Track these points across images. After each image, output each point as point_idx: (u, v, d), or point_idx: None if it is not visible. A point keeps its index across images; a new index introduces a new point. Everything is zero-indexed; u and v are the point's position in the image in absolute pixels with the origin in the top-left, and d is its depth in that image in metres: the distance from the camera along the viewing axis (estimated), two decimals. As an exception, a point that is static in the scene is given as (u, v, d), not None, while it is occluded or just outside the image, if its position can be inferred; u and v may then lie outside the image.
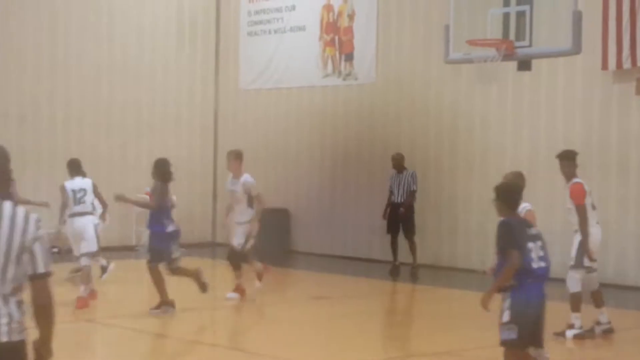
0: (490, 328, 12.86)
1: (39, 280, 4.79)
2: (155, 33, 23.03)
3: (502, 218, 7.83)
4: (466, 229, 18.93)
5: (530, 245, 7.63)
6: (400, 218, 18.04)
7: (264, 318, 13.50)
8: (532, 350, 7.77)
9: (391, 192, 18.26)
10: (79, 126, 21.63)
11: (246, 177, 14.60)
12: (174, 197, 13.99)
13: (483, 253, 18.54)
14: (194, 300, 13.29)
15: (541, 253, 7.70)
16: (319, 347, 11.25)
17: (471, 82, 18.58)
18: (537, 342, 7.79)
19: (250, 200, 14.44)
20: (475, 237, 18.66)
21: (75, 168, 14.21)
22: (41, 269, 4.79)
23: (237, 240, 14.48)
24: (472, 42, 15.74)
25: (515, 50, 14.51)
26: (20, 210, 4.82)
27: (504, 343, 7.64)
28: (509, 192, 8.11)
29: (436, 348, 11.38)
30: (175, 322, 12.70)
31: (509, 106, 18.55)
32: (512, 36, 15.85)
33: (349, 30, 21.36)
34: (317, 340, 11.91)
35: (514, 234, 7.65)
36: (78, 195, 13.78)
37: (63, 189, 13.93)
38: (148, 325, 12.40)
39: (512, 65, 17.28)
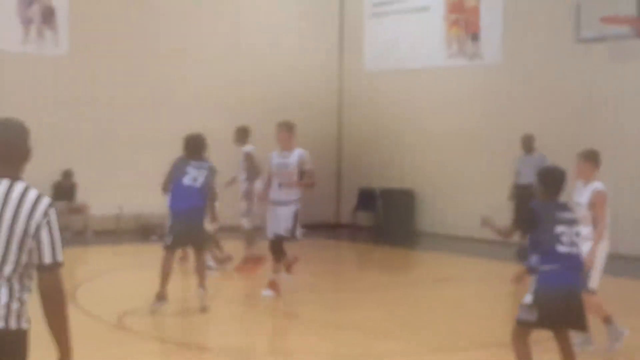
0: (629, 314, 12.66)
1: (45, 272, 4.34)
2: (279, 16, 23.16)
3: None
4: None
5: (561, 229, 7.35)
6: (528, 199, 17.72)
7: (386, 299, 13.40)
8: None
9: (517, 174, 17.96)
10: (210, 109, 21.93)
11: (300, 151, 13.05)
12: None
13: (615, 237, 18.10)
14: (320, 283, 13.28)
15: (575, 239, 7.42)
16: (442, 330, 11.11)
17: (604, 62, 18.09)
18: (566, 325, 7.63)
19: (301, 177, 12.81)
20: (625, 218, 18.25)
21: None
22: (47, 259, 4.34)
23: (284, 224, 12.60)
24: (605, 20, 15.36)
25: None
26: (33, 192, 4.42)
27: (519, 322, 7.52)
28: (547, 177, 7.91)
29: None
30: (305, 302, 12.73)
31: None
32: (646, 13, 15.40)
33: (475, 9, 21.03)
34: (440, 323, 11.77)
35: (533, 215, 7.53)
36: None
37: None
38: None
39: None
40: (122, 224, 20.76)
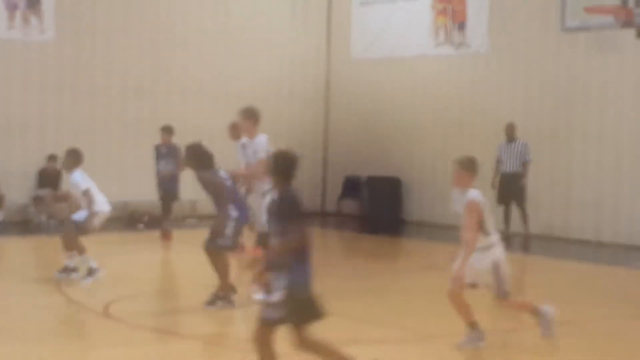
0: (604, 301, 12.71)
1: None
2: (268, 4, 23.11)
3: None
4: (581, 200, 18.55)
5: None
6: (512, 188, 17.81)
7: (374, 287, 13.43)
8: None
9: (499, 162, 18.03)
10: (195, 98, 21.90)
11: (261, 137, 12.33)
12: None
13: (598, 224, 18.22)
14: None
15: None
16: (430, 318, 11.14)
17: (588, 51, 18.16)
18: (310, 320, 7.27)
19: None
20: (590, 208, 18.31)
21: None
22: None
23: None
24: (589, 10, 15.42)
25: (634, 16, 14.08)
26: None
27: (264, 321, 7.14)
28: (279, 161, 7.33)
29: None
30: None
31: (629, 75, 18.02)
32: (631, 2, 15.43)
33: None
34: (428, 310, 11.81)
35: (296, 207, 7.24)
36: None
37: None
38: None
39: (631, 32, 16.83)
40: (118, 210, 20.69)
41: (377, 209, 21.87)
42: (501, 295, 9.42)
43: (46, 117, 20.19)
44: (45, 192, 19.71)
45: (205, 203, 21.39)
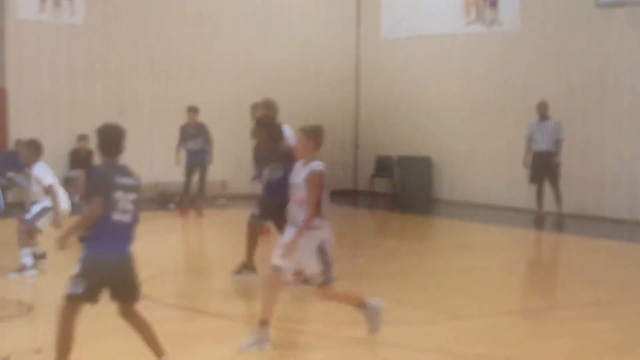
0: (639, 281, 12.60)
1: None
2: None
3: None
4: (615, 178, 18.39)
5: (118, 195, 6.92)
6: (546, 167, 17.66)
7: (404, 267, 13.40)
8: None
9: (531, 140, 17.86)
10: (223, 78, 21.88)
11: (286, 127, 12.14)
12: None
13: (632, 203, 18.06)
14: (337, 250, 13.16)
15: (129, 206, 6.98)
16: (461, 298, 11.10)
17: (622, 27, 17.94)
18: (117, 298, 7.11)
19: None
20: (623, 187, 18.16)
21: None
22: None
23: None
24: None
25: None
26: None
27: (68, 297, 6.95)
28: (102, 135, 7.23)
29: (582, 299, 11.06)
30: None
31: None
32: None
33: (494, -24, 20.88)
34: (459, 290, 11.76)
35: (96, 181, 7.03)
36: None
37: None
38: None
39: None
40: (147, 191, 20.75)
41: (409, 187, 21.82)
42: (327, 281, 8.55)
43: (76, 99, 20.26)
44: (77, 173, 19.79)
45: (234, 183, 21.61)
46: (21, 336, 8.87)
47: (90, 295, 6.93)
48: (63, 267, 12.98)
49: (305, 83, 22.52)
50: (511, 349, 8.54)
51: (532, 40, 19.92)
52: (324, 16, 23.33)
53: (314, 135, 8.48)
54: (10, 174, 19.31)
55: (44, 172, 12.23)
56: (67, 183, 19.81)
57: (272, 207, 11.10)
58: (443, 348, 8.55)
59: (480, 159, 20.96)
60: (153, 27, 21.10)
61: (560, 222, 17.59)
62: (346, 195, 22.28)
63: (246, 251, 11.53)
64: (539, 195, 17.85)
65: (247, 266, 11.59)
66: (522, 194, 19.10)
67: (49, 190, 12.13)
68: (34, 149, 12.48)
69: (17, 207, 19.11)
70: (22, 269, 12.04)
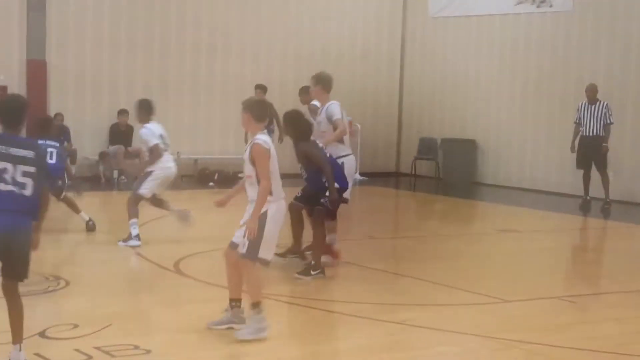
0: None
1: None
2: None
3: None
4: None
5: (4, 165, 6.63)
6: (593, 152, 17.50)
7: (447, 249, 13.37)
8: None
9: (579, 124, 17.67)
10: (267, 57, 21.92)
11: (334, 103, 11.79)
12: None
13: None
14: (380, 232, 13.22)
15: (20, 178, 6.64)
16: (504, 282, 11.04)
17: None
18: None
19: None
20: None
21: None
22: None
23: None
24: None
25: None
26: None
27: None
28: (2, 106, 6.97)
29: (627, 286, 10.97)
30: (364, 250, 12.72)
31: None
32: None
33: (546, -45, 20.69)
34: (503, 274, 11.72)
35: None
36: None
37: None
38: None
39: None
40: (179, 169, 20.83)
41: (452, 170, 21.76)
42: (247, 255, 8.02)
43: (118, 74, 20.38)
44: (115, 148, 19.92)
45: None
46: (58, 311, 8.95)
47: None
48: (103, 242, 13.14)
49: (349, 62, 22.48)
50: (554, 335, 8.49)
51: (584, 22, 19.72)
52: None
53: (249, 108, 8.23)
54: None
55: (150, 134, 12.37)
56: (104, 157, 20.01)
57: (307, 194, 11.17)
58: (484, 332, 8.51)
59: (527, 142, 20.83)
60: (198, 3, 21.13)
61: (606, 208, 17.45)
62: (389, 177, 22.27)
63: (293, 237, 11.43)
64: (586, 181, 17.71)
65: (293, 251, 11.51)
66: (569, 178, 18.97)
67: (152, 150, 12.36)
68: (144, 107, 12.57)
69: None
70: (128, 239, 12.32)
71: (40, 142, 11.86)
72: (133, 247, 12.25)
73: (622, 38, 18.91)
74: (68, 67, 19.95)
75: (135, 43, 20.51)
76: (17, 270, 6.76)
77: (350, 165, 11.72)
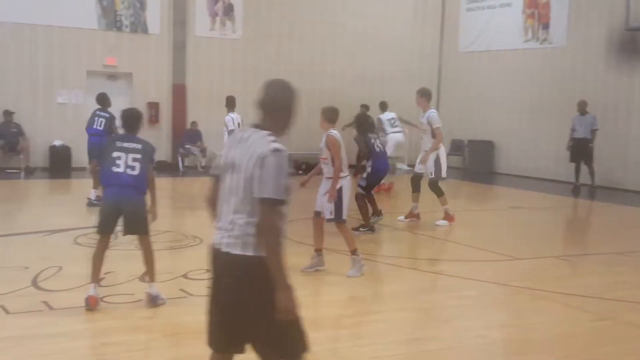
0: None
1: (259, 206, 3.58)
2: (397, 10, 22.84)
3: None
4: (637, 157, 17.82)
5: (117, 154, 6.69)
6: (582, 150, 17.20)
7: (472, 220, 13.24)
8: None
9: (573, 130, 17.41)
10: (342, 78, 21.88)
11: (430, 112, 12.09)
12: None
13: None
14: (419, 208, 13.09)
15: (131, 163, 6.67)
16: (514, 244, 10.91)
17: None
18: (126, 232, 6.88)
19: (432, 133, 12.05)
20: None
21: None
22: (257, 194, 3.58)
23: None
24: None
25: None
26: (265, 140, 3.68)
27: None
28: (124, 117, 7.00)
29: (608, 249, 10.76)
30: (406, 223, 12.62)
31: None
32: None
33: (547, 5, 20.31)
34: (513, 239, 11.57)
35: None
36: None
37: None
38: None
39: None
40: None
41: (476, 163, 21.52)
42: (336, 218, 8.29)
43: (235, 93, 20.45)
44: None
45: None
46: (194, 260, 9.08)
47: (100, 228, 6.99)
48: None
49: (399, 84, 22.35)
50: (552, 283, 8.38)
51: (576, 55, 19.34)
52: (415, 34, 23.08)
53: (324, 113, 8.50)
54: (187, 146, 19.76)
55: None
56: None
57: (370, 181, 11.42)
58: (500, 281, 8.44)
59: (532, 143, 20.51)
60: (289, 42, 21.24)
61: (592, 192, 17.11)
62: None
63: (362, 216, 11.36)
64: (577, 171, 17.42)
65: (365, 225, 11.34)
66: (564, 169, 18.63)
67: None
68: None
69: (192, 169, 19.68)
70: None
71: (99, 112, 12.90)
72: None
73: (603, 65, 18.48)
74: (200, 88, 20.18)
75: (248, 71, 20.65)
76: (134, 228, 6.82)
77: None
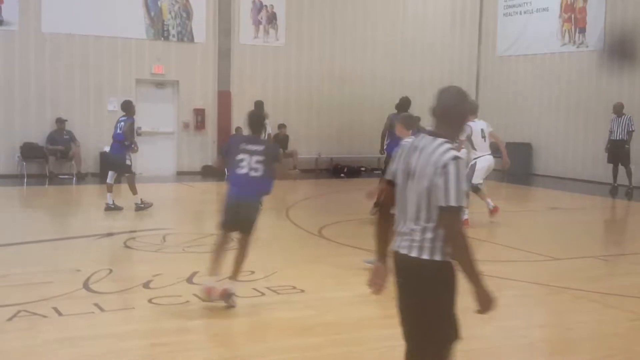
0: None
1: (441, 213, 3.61)
2: (435, 15, 22.67)
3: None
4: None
5: (242, 156, 6.74)
6: (620, 151, 16.87)
7: (512, 221, 13.05)
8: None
9: (611, 132, 17.09)
10: (382, 84, 21.79)
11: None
12: None
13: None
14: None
15: (254, 165, 6.70)
16: (554, 245, 10.73)
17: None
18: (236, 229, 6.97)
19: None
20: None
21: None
22: (441, 202, 3.60)
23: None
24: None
25: None
26: (443, 148, 3.66)
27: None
28: (249, 119, 7.04)
29: (647, 249, 10.54)
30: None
31: None
32: None
33: (583, 9, 19.99)
34: (552, 239, 11.38)
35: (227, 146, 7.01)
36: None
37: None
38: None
39: None
40: (319, 164, 21.01)
41: (515, 165, 21.13)
42: None
43: (278, 97, 20.58)
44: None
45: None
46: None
47: (222, 226, 7.11)
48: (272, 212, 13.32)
49: (437, 89, 22.12)
50: (592, 284, 8.21)
51: (613, 58, 18.95)
52: (453, 38, 22.89)
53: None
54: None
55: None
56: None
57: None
58: (540, 281, 8.30)
59: (570, 145, 20.19)
60: (330, 48, 21.22)
61: (630, 193, 16.77)
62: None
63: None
64: (614, 172, 17.10)
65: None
66: (602, 171, 18.29)
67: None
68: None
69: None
70: None
71: (121, 118, 12.21)
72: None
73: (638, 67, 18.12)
74: (245, 95, 20.26)
75: (290, 75, 20.70)
76: (242, 225, 6.92)
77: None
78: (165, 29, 19.30)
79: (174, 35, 19.39)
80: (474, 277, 3.63)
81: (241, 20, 20.16)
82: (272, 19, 20.53)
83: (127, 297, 6.93)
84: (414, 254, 3.69)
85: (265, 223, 12.38)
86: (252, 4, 20.32)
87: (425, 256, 3.67)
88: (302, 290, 7.50)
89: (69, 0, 18.14)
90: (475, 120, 12.24)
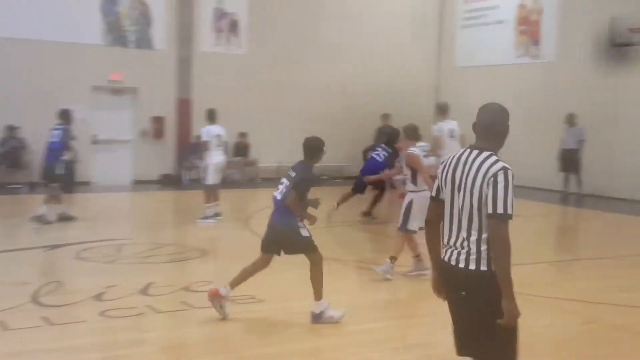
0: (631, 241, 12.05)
1: (490, 221, 3.68)
2: (395, 26, 22.74)
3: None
4: (623, 167, 17.70)
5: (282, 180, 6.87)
6: (571, 160, 17.10)
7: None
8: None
9: (563, 141, 17.34)
10: (335, 95, 21.75)
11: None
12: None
13: (633, 186, 17.38)
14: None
15: (282, 188, 6.80)
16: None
17: (633, 65, 17.17)
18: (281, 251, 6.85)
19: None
20: (630, 173, 17.47)
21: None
22: (490, 210, 3.67)
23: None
24: (635, 30, 14.43)
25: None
26: (491, 159, 3.83)
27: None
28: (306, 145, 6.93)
29: (598, 254, 10.64)
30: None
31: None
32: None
33: (537, 22, 20.28)
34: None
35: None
36: None
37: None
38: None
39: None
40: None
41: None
42: (401, 229, 8.59)
43: (240, 107, 20.40)
44: (238, 160, 19.94)
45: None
46: (197, 272, 8.96)
47: (263, 248, 7.06)
48: (231, 226, 13.14)
49: (398, 98, 22.24)
50: (544, 288, 8.26)
51: (565, 70, 19.27)
52: (413, 50, 22.99)
53: (405, 132, 8.98)
54: (192, 159, 19.63)
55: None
56: (231, 167, 20.03)
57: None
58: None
59: (524, 154, 20.33)
60: (292, 56, 21.12)
61: (580, 200, 16.99)
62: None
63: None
64: (565, 181, 17.33)
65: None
66: (553, 178, 18.50)
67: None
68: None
69: (196, 182, 19.46)
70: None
71: (57, 127, 11.90)
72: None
73: (591, 79, 18.39)
74: (205, 103, 19.99)
75: (251, 85, 20.57)
76: (289, 247, 6.78)
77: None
78: (122, 34, 18.99)
79: (132, 42, 19.11)
80: (508, 288, 3.63)
81: (202, 27, 19.98)
82: (234, 26, 20.40)
83: (78, 310, 6.72)
84: (472, 266, 3.70)
85: (225, 233, 12.23)
86: (214, 11, 20.16)
87: (483, 267, 3.69)
88: (262, 300, 7.37)
89: (24, 5, 17.69)
90: (447, 120, 12.57)
